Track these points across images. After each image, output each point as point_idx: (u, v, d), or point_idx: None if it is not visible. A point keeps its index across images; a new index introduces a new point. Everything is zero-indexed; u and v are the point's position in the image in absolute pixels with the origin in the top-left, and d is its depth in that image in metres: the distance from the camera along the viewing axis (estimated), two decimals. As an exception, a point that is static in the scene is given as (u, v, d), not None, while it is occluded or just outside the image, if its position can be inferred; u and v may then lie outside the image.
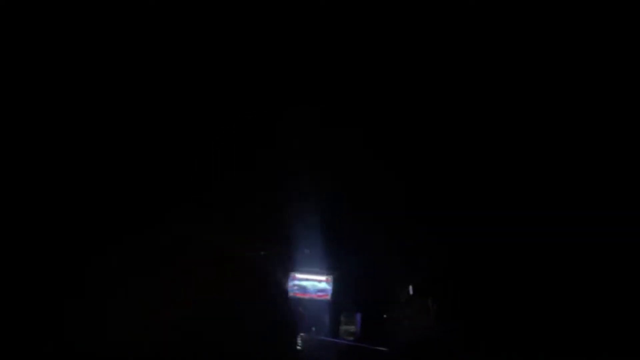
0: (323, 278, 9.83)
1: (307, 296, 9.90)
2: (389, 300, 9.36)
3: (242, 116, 6.50)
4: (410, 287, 8.11)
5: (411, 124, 6.65)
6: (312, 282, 9.83)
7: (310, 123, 6.73)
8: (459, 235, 7.12)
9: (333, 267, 9.96)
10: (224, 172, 7.21)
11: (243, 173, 8.06)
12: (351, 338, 10.87)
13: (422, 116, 6.34)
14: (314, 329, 13.92)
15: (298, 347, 12.94)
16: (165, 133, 6.23)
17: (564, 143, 5.77)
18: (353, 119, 6.67)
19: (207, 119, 6.29)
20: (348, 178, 8.27)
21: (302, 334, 13.04)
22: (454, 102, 5.72)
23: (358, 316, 9.88)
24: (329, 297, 9.82)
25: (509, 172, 6.44)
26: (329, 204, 9.17)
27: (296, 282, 9.87)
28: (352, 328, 11.51)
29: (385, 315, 9.31)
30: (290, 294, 9.93)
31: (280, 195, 9.17)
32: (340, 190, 8.90)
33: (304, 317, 12.80)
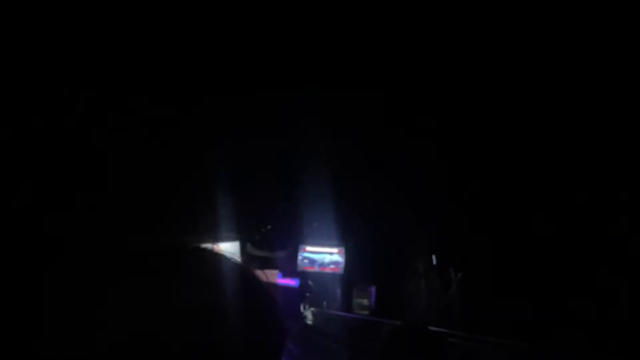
0: (334, 250, 9.30)
1: (317, 269, 9.38)
2: (406, 271, 8.83)
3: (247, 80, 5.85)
4: (434, 257, 7.58)
5: (423, 84, 5.98)
6: (323, 255, 9.30)
7: (319, 86, 6.08)
8: (485, 199, 6.54)
9: (345, 238, 9.42)
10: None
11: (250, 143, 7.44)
12: (365, 312, 10.43)
13: (434, 75, 5.65)
14: (325, 303, 13.52)
15: (308, 322, 12.53)
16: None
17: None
18: (361, 82, 6.01)
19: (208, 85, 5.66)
20: (360, 141, 7.65)
21: (312, 309, 12.64)
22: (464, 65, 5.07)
23: (372, 289, 9.40)
24: (340, 270, 9.29)
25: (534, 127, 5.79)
26: (340, 170, 8.56)
27: (305, 255, 9.33)
28: (365, 302, 11.05)
29: (401, 288, 8.79)
30: (300, 268, 9.40)
31: (288, 165, 8.59)
32: (351, 156, 8.27)
33: (313, 290, 12.37)
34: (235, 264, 0.38)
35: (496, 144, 6.27)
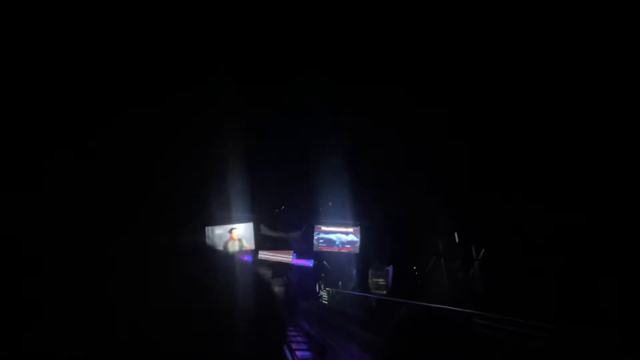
0: (350, 230, 9.14)
1: (333, 249, 9.24)
2: (424, 250, 8.65)
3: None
4: (456, 234, 7.36)
5: (438, 56, 5.68)
6: (338, 235, 9.15)
7: (333, 60, 5.82)
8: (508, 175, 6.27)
9: (361, 217, 9.25)
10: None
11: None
12: (383, 292, 10.33)
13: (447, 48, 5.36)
14: (340, 283, 13.45)
15: (324, 302, 12.47)
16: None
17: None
18: (376, 54, 5.73)
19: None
20: (376, 117, 7.38)
21: (328, 288, 12.57)
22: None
23: (389, 269, 9.27)
24: (356, 249, 9.14)
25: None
26: (355, 148, 8.33)
27: (322, 236, 9.19)
28: (381, 281, 10.95)
29: (419, 267, 8.63)
30: (316, 248, 9.27)
31: (302, 144, 8.39)
32: (366, 133, 8.03)
33: (328, 270, 12.27)
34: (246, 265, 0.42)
35: (519, 117, 5.98)
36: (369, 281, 11.31)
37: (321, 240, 9.12)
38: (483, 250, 6.57)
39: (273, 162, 8.78)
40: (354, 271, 11.72)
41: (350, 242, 9.10)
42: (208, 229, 9.27)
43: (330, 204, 9.78)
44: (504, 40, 5.06)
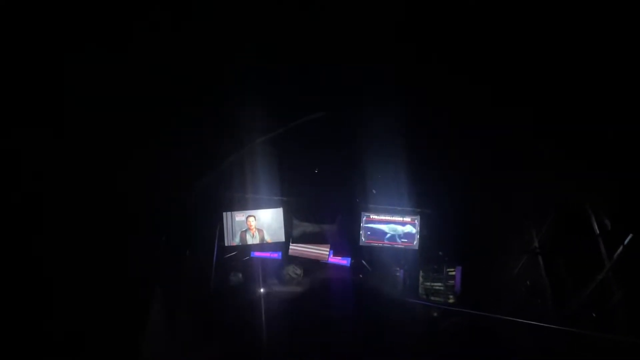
0: (407, 219, 7.13)
1: (385, 244, 7.23)
2: (503, 247, 6.63)
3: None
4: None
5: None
6: (393, 226, 7.14)
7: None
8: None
9: (421, 204, 7.24)
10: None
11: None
12: (441, 300, 8.30)
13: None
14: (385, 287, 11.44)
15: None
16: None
17: None
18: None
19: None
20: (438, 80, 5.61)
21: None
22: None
23: (457, 271, 7.25)
24: (415, 244, 7.13)
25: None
26: (413, 117, 6.39)
27: (370, 226, 7.19)
28: (440, 286, 8.89)
29: (501, 269, 6.59)
30: (362, 242, 7.27)
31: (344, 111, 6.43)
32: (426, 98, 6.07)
33: (368, 271, 10.22)
34: None
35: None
36: (420, 285, 9.27)
37: (369, 233, 7.12)
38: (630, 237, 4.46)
39: (308, 131, 6.76)
40: (401, 272, 9.69)
41: (408, 235, 7.08)
42: (226, 216, 7.34)
43: (374, 191, 7.78)
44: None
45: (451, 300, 7.40)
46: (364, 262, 10.94)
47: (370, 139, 6.75)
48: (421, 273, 9.07)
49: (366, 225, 7.18)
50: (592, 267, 4.93)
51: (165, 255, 5.22)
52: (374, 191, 7.93)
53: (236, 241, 7.28)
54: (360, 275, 11.24)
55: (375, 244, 7.18)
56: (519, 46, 4.50)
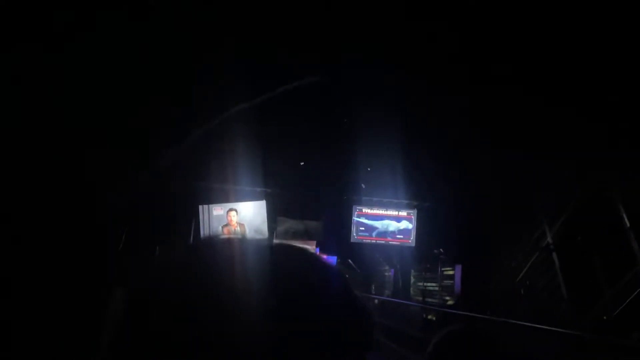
0: (403, 213, 6.49)
1: (379, 240, 6.58)
2: (509, 245, 6.06)
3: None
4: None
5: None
6: (387, 221, 6.50)
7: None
8: None
9: (418, 197, 6.63)
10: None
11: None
12: (435, 300, 7.68)
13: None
14: (373, 286, 10.80)
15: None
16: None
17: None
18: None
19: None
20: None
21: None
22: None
23: (457, 270, 6.63)
24: (411, 241, 6.50)
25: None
26: (411, 105, 5.82)
27: (362, 220, 6.53)
28: (434, 286, 8.25)
29: (508, 269, 6.00)
30: (354, 238, 6.62)
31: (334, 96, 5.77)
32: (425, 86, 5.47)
33: (354, 270, 9.46)
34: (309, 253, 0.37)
35: None
36: (412, 285, 8.67)
37: (361, 228, 6.46)
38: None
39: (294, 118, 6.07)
40: (391, 271, 9.07)
41: (403, 231, 6.45)
42: (202, 209, 6.60)
43: (363, 186, 7.13)
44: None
45: (450, 302, 6.79)
46: (350, 261, 10.30)
47: (363, 128, 6.12)
48: (412, 272, 8.48)
49: (358, 219, 6.52)
50: (621, 265, 4.36)
51: (127, 252, 4.48)
52: (362, 185, 7.28)
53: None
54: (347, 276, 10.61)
55: (367, 240, 6.53)
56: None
